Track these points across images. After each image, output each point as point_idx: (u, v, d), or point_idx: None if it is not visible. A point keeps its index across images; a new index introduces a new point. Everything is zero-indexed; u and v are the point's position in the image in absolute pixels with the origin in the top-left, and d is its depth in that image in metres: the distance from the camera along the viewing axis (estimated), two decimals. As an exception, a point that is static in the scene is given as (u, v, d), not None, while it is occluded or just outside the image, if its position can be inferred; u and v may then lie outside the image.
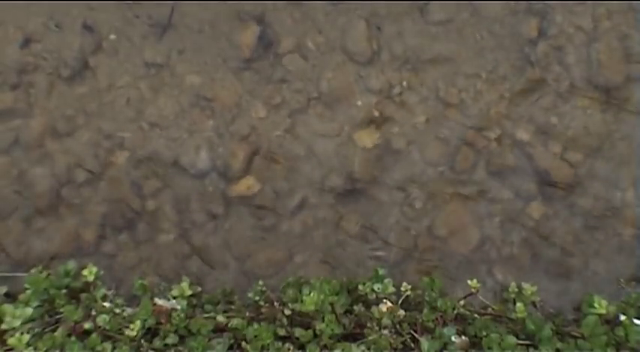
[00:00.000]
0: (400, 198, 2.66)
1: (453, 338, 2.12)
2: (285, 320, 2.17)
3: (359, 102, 2.73)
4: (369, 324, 2.17)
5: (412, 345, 2.16)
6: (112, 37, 2.78)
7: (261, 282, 2.37)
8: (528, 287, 2.29)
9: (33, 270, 2.31)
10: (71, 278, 2.30)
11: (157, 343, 2.15)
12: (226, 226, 2.64)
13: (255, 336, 2.11)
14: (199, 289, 2.41)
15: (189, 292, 2.27)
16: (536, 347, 2.14)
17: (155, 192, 2.65)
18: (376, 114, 2.71)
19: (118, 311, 2.18)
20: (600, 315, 2.14)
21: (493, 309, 2.37)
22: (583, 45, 2.73)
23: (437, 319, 2.22)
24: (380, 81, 2.73)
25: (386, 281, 2.25)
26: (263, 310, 2.26)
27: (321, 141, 2.70)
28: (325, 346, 2.10)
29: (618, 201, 2.63)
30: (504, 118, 2.69)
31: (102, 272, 2.28)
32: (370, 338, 2.12)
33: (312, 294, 2.06)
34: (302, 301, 2.06)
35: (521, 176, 2.66)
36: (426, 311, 2.23)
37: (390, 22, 2.78)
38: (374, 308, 2.19)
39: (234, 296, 2.49)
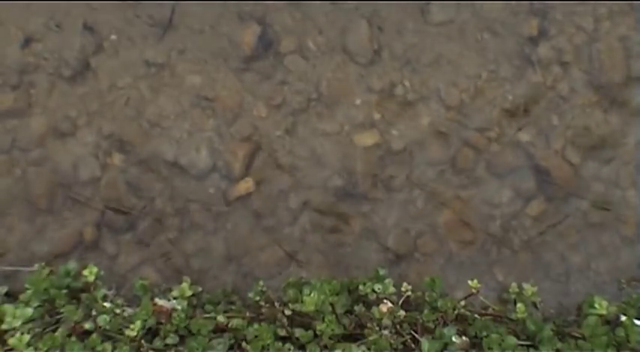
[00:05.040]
0: (401, 199, 2.66)
1: (453, 339, 2.12)
2: (285, 321, 2.17)
3: (359, 103, 2.73)
4: (369, 324, 2.17)
5: (412, 346, 2.16)
6: (113, 37, 2.78)
7: (261, 283, 2.37)
8: (529, 288, 2.30)
9: (36, 265, 2.33)
10: (72, 278, 2.30)
11: (158, 343, 2.16)
12: (227, 226, 2.64)
13: (256, 336, 2.11)
14: (199, 289, 2.41)
15: (189, 292, 2.27)
16: (536, 348, 2.15)
17: (156, 192, 2.65)
18: (377, 114, 2.71)
19: (118, 311, 2.19)
20: (601, 316, 2.14)
21: (494, 310, 2.37)
22: (584, 45, 2.73)
23: (437, 319, 2.23)
24: (381, 81, 2.73)
25: (386, 281, 2.26)
26: (263, 310, 2.26)
27: (322, 141, 2.70)
28: (325, 346, 2.10)
29: (619, 200, 2.63)
30: (505, 118, 2.69)
31: (102, 273, 2.28)
32: (370, 338, 2.12)
33: (312, 295, 2.06)
34: (302, 301, 2.06)
35: (521, 176, 2.66)
36: (426, 311, 2.23)
37: (391, 22, 2.77)
38: (374, 309, 2.19)
39: (235, 296, 2.49)
